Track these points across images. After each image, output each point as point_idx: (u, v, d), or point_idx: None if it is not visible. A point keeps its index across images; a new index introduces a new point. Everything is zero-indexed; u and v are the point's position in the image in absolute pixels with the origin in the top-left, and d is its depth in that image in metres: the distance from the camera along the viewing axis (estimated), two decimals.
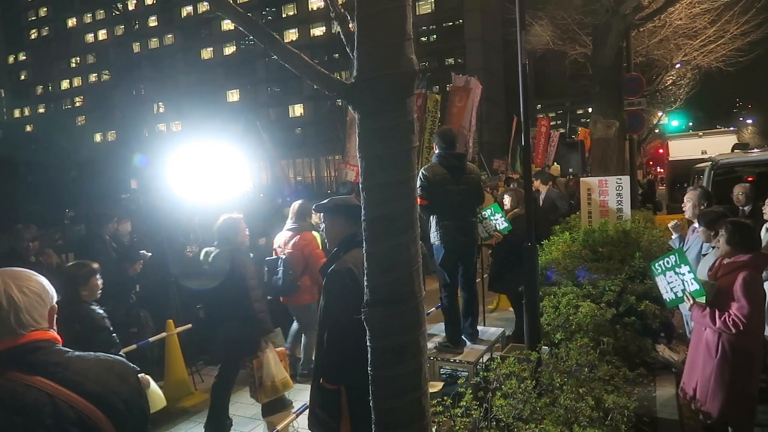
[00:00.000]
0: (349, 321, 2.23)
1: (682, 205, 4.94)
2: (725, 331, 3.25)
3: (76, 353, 1.48)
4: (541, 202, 8.42)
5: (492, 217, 5.53)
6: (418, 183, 4.38)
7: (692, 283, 3.49)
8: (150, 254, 5.86)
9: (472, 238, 4.61)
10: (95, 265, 3.61)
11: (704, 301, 3.42)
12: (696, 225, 4.55)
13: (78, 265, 3.63)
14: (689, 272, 3.49)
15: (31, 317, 1.44)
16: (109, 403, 1.42)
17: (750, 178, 7.34)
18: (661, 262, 3.74)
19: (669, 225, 5.05)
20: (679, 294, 3.62)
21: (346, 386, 2.55)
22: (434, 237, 4.48)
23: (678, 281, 3.61)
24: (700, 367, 3.49)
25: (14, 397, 1.32)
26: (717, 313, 3.27)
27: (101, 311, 3.51)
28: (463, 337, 4.59)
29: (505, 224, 5.50)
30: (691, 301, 3.47)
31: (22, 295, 1.44)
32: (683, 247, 4.78)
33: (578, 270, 4.70)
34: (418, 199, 4.62)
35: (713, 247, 3.83)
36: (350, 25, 1.91)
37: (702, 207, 4.65)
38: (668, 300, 3.77)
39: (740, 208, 5.93)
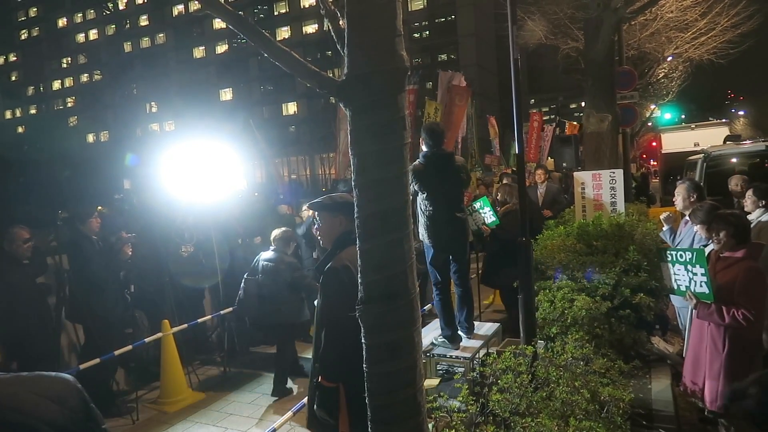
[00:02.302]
0: (347, 318, 2.22)
1: (674, 199, 4.95)
2: (735, 326, 3.23)
3: (9, 375, 1.31)
4: (541, 197, 8.43)
5: (481, 210, 5.54)
6: None
7: (702, 286, 3.43)
8: (133, 234, 5.84)
9: (462, 234, 4.56)
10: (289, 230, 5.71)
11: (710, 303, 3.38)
12: (688, 218, 4.57)
13: (287, 231, 5.62)
14: (703, 275, 3.41)
15: None
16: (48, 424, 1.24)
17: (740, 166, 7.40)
18: (674, 253, 3.68)
19: (660, 217, 5.06)
20: (682, 288, 3.59)
21: (345, 384, 2.55)
22: (423, 236, 4.44)
23: (685, 277, 3.56)
24: (706, 364, 3.45)
25: None
26: (724, 308, 3.26)
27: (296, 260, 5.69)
28: (459, 332, 4.60)
29: (493, 218, 5.50)
30: (695, 301, 3.46)
31: None
32: (674, 240, 4.80)
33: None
34: None
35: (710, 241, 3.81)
36: (341, 22, 1.91)
37: (692, 199, 4.65)
38: (669, 287, 3.77)
39: (735, 199, 5.96)
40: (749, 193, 4.85)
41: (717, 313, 3.26)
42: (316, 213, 2.94)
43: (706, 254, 3.63)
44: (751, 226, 4.64)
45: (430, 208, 4.33)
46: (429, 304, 5.91)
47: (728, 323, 3.24)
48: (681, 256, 3.61)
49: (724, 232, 3.41)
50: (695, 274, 3.48)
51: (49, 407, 1.26)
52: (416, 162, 4.38)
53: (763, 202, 4.73)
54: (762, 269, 3.35)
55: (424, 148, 4.42)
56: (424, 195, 4.31)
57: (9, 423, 1.20)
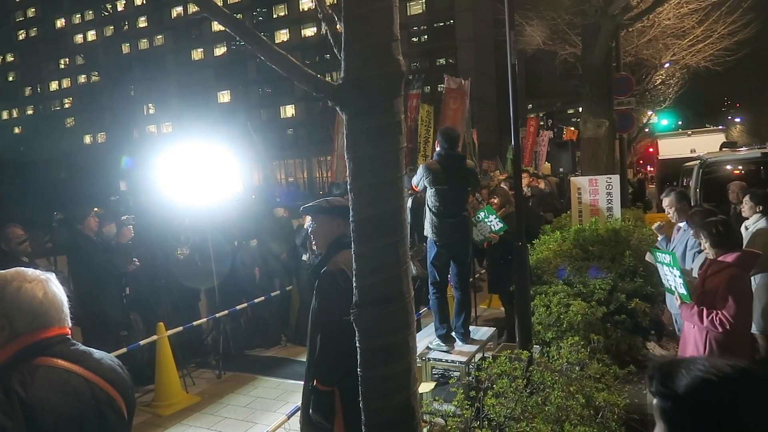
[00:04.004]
0: (342, 322, 2.22)
1: (666, 213, 4.96)
2: (712, 330, 3.28)
3: (98, 351, 1.66)
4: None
5: (486, 219, 5.53)
6: (417, 175, 4.50)
7: (681, 287, 3.53)
8: (132, 216, 5.87)
9: (465, 234, 4.61)
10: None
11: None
12: (681, 225, 4.58)
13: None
14: (679, 277, 3.53)
15: (66, 310, 1.59)
16: (123, 388, 1.61)
17: (736, 172, 7.42)
18: (659, 254, 3.81)
19: (653, 227, 5.07)
20: (671, 288, 3.69)
21: (340, 387, 2.55)
22: (428, 232, 4.53)
23: (670, 277, 3.68)
24: None
25: (61, 380, 1.46)
26: (705, 311, 3.29)
27: None
28: (453, 335, 4.60)
29: (501, 225, 5.50)
30: (679, 301, 3.50)
31: (58, 290, 1.58)
32: (669, 246, 4.82)
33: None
34: (413, 187, 4.75)
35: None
36: (338, 26, 1.91)
37: (680, 205, 4.65)
38: (664, 286, 3.89)
39: (733, 205, 5.99)
40: (746, 198, 4.87)
41: (697, 315, 3.31)
42: (310, 216, 2.93)
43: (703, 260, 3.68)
44: (748, 231, 4.67)
45: (438, 205, 4.43)
46: (424, 308, 5.90)
47: (706, 326, 3.27)
48: (664, 258, 3.72)
49: (707, 243, 3.45)
50: (675, 276, 3.58)
51: (122, 371, 1.65)
52: (431, 159, 4.56)
53: (760, 207, 4.75)
54: (746, 277, 3.37)
55: (437, 148, 4.60)
56: (433, 190, 4.43)
57: (111, 378, 1.58)
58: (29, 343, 1.48)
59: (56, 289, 1.57)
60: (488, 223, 5.53)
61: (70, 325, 1.59)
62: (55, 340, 1.52)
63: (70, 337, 1.58)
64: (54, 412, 1.40)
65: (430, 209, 4.49)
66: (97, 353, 1.63)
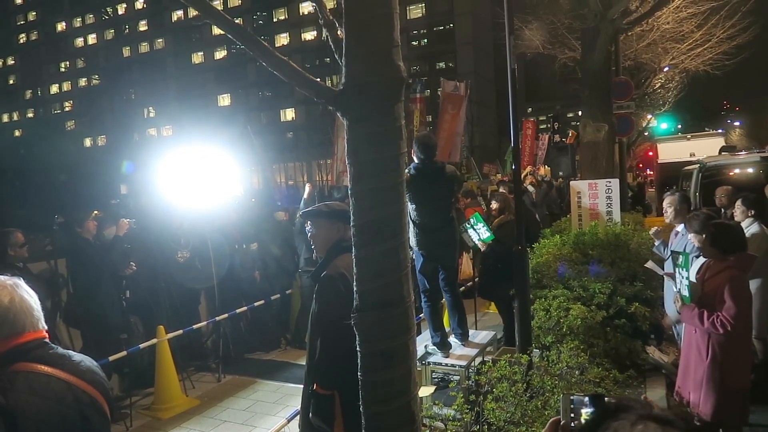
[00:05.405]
0: (342, 326, 2.22)
1: (664, 213, 4.96)
2: (713, 332, 3.28)
3: (78, 354, 1.68)
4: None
5: (475, 227, 5.52)
6: None
7: (685, 289, 3.54)
8: (134, 220, 5.89)
9: (450, 242, 4.55)
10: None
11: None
12: (678, 229, 4.59)
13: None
14: (686, 278, 3.53)
15: (39, 313, 1.59)
16: (104, 389, 1.64)
17: (735, 176, 7.44)
18: (679, 256, 3.77)
19: (650, 232, 5.06)
20: (679, 289, 3.68)
21: (340, 391, 2.55)
22: (413, 243, 4.45)
23: (680, 278, 3.66)
24: (693, 370, 3.51)
25: (41, 385, 1.48)
26: (705, 313, 3.30)
27: None
28: (451, 339, 4.60)
29: (488, 234, 5.47)
30: (680, 302, 3.51)
31: (27, 295, 1.58)
32: (666, 251, 4.82)
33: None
34: None
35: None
36: (339, 32, 1.92)
37: (679, 207, 4.66)
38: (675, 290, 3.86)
39: (722, 210, 6.00)
40: (738, 202, 4.87)
41: (698, 317, 3.31)
42: (310, 221, 2.93)
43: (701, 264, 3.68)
44: None
45: (420, 218, 4.35)
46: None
47: (707, 328, 3.28)
48: (677, 259, 3.70)
49: (706, 242, 3.46)
50: (683, 277, 3.57)
51: (101, 373, 1.69)
52: (406, 172, 4.36)
53: (752, 212, 4.75)
54: (745, 278, 3.38)
55: (414, 159, 4.36)
56: (414, 206, 4.33)
57: (93, 380, 1.61)
58: (4, 351, 1.49)
59: (25, 293, 1.57)
60: (476, 231, 5.51)
61: (45, 327, 1.60)
62: (31, 345, 1.53)
63: (48, 340, 1.59)
64: (36, 417, 1.41)
65: (412, 221, 4.37)
66: (76, 356, 1.65)
